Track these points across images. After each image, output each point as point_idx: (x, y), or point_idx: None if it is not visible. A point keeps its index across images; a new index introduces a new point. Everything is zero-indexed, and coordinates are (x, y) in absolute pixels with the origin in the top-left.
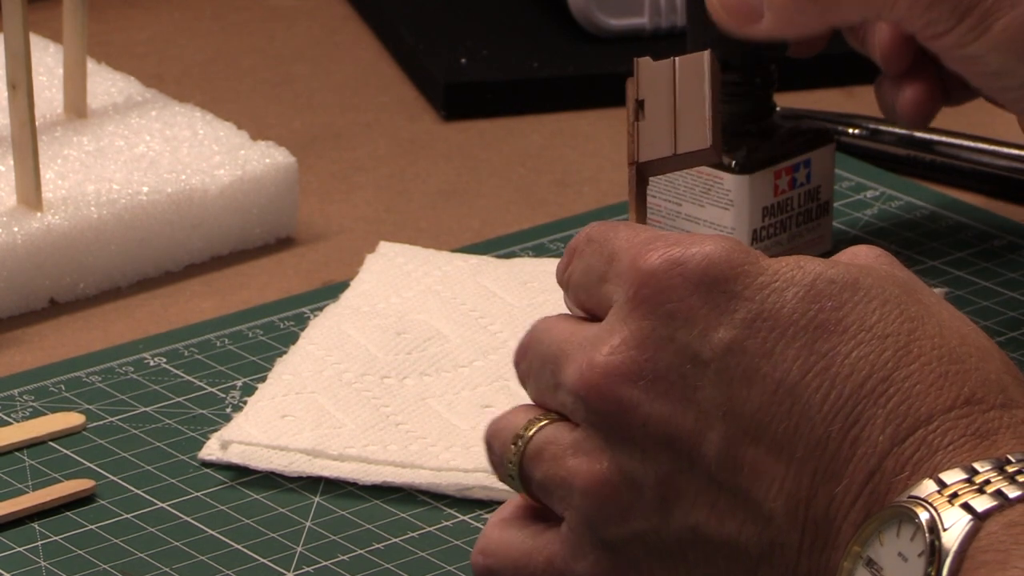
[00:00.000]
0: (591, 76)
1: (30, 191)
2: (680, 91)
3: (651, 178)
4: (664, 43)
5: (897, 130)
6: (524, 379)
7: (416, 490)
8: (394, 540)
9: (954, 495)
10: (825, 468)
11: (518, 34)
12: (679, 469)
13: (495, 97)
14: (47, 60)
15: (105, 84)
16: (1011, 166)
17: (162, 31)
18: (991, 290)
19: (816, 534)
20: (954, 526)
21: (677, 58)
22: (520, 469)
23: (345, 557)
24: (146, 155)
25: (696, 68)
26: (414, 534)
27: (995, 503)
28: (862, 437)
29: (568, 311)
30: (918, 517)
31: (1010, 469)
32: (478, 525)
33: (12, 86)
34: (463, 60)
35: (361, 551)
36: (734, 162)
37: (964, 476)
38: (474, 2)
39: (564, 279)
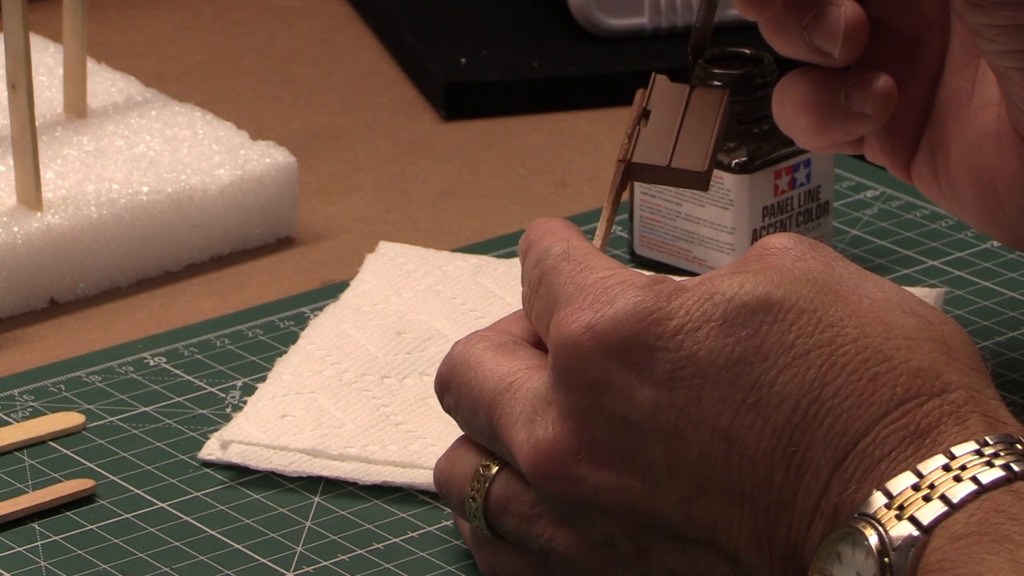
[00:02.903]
0: (591, 76)
1: (30, 191)
2: (689, 115)
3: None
4: (664, 42)
5: None
6: (449, 411)
7: (416, 490)
8: (394, 540)
9: (901, 507)
10: (776, 501)
11: (518, 34)
12: (642, 525)
13: (495, 97)
14: (47, 60)
15: (105, 84)
16: None
17: (162, 31)
18: (991, 290)
19: (785, 562)
20: (902, 546)
21: (695, 87)
22: (486, 521)
23: (345, 557)
24: (146, 155)
25: (711, 101)
26: (414, 534)
27: (941, 511)
28: (805, 464)
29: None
30: (867, 540)
31: (955, 465)
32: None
33: (12, 86)
34: (463, 60)
35: (361, 551)
36: (734, 162)
37: (911, 482)
38: (474, 2)
39: (527, 314)
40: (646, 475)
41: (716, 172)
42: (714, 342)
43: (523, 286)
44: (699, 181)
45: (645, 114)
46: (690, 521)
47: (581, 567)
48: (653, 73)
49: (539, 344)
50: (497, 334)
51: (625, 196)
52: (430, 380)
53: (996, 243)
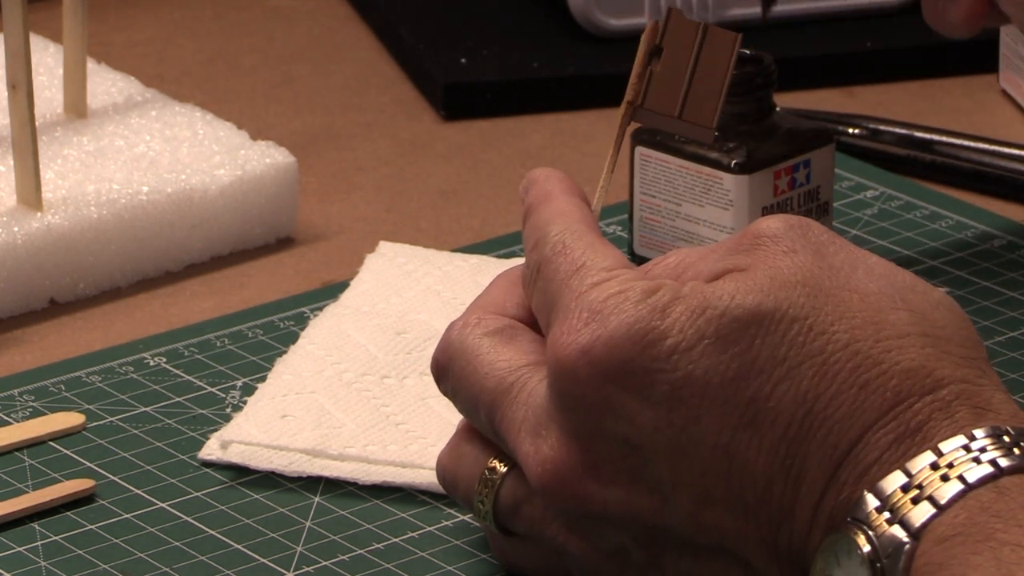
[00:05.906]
0: (591, 76)
1: (30, 191)
2: (702, 59)
3: (651, 175)
4: None
5: (897, 130)
6: (447, 395)
7: (416, 490)
8: (394, 540)
9: (892, 510)
10: (776, 513)
11: (518, 34)
12: (654, 534)
13: (495, 97)
14: (47, 60)
15: (105, 84)
16: (1011, 166)
17: (162, 31)
18: (991, 290)
19: (793, 565)
20: (893, 552)
21: (709, 25)
22: (495, 519)
23: (345, 557)
24: (146, 155)
25: (724, 45)
26: (414, 534)
27: (930, 513)
28: (802, 476)
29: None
30: (860, 549)
31: (942, 463)
32: (477, 525)
33: (12, 86)
34: (463, 60)
35: (361, 551)
36: (734, 162)
37: (901, 482)
38: (474, 2)
39: (527, 297)
40: (653, 491)
41: (716, 172)
42: (709, 360)
43: (525, 251)
44: (706, 136)
45: (657, 51)
46: (700, 531)
47: (595, 570)
48: (669, 7)
49: (536, 324)
50: (494, 317)
51: (624, 196)
52: (430, 380)
53: (996, 243)
